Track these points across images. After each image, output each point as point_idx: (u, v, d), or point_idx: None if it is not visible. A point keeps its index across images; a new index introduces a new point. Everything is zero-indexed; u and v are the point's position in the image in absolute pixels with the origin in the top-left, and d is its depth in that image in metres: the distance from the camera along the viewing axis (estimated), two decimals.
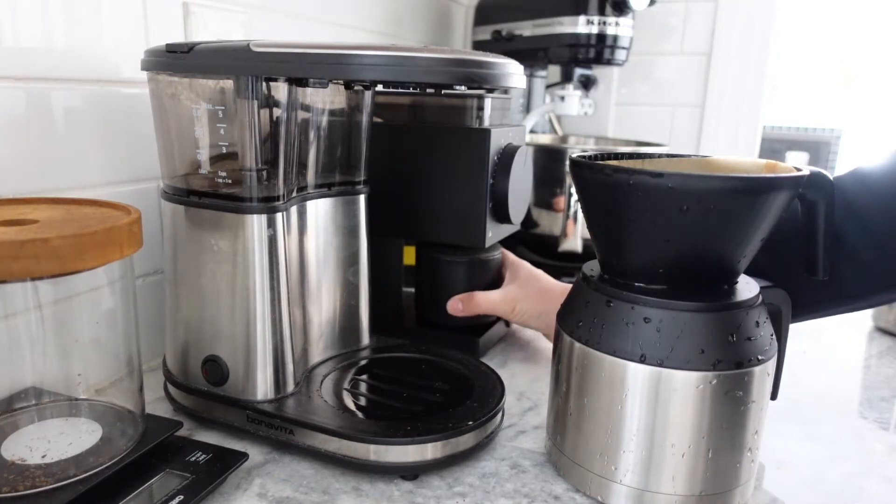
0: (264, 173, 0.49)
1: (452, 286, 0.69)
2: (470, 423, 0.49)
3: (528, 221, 0.96)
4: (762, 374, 0.43)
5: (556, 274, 0.96)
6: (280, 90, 0.48)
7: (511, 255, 0.74)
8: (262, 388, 0.51)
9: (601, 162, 0.48)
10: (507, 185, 0.59)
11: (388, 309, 0.75)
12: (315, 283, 0.56)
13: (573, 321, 0.47)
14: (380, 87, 0.58)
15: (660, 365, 0.42)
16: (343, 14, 0.89)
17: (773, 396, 0.50)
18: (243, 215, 0.48)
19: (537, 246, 1.00)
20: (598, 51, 0.97)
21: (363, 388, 0.56)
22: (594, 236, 0.48)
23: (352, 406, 0.52)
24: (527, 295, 0.68)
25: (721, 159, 0.51)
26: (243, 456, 0.47)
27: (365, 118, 0.58)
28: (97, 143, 0.57)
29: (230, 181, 0.49)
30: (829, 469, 0.52)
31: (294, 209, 0.53)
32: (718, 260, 0.44)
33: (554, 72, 1.16)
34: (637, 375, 0.43)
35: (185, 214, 0.50)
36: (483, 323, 0.72)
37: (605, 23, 0.96)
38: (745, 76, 1.22)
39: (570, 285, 0.50)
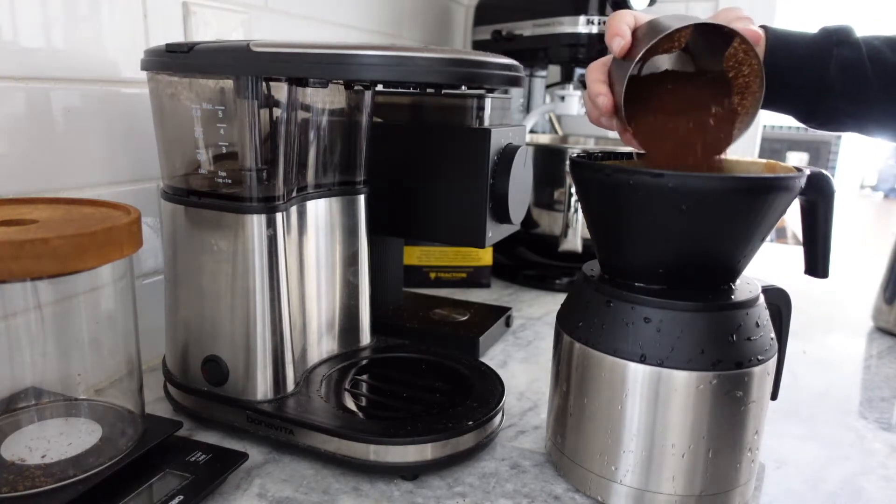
0: (264, 173, 0.49)
1: None
2: (470, 423, 0.49)
3: (528, 221, 0.96)
4: (762, 374, 0.43)
5: (557, 274, 0.96)
6: (280, 90, 0.48)
7: None
8: (262, 388, 0.51)
9: (601, 162, 0.48)
10: (507, 185, 0.59)
11: (388, 309, 0.75)
12: (315, 283, 0.56)
13: (573, 321, 0.47)
14: (380, 87, 0.58)
15: (660, 365, 0.42)
16: (343, 14, 0.89)
17: (773, 396, 0.50)
18: (243, 215, 0.48)
19: (537, 246, 1.00)
20: (599, 51, 0.97)
21: (363, 388, 0.56)
22: (594, 236, 0.48)
23: (352, 406, 0.52)
24: None
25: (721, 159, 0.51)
26: (243, 456, 0.47)
27: (365, 118, 0.58)
28: (97, 143, 0.57)
29: (230, 181, 0.49)
30: (829, 469, 0.52)
31: (294, 209, 0.53)
32: (718, 260, 0.44)
33: (554, 72, 1.16)
34: (637, 375, 0.43)
35: (185, 214, 0.50)
36: (483, 322, 0.72)
37: (605, 23, 0.95)
38: None
39: None
